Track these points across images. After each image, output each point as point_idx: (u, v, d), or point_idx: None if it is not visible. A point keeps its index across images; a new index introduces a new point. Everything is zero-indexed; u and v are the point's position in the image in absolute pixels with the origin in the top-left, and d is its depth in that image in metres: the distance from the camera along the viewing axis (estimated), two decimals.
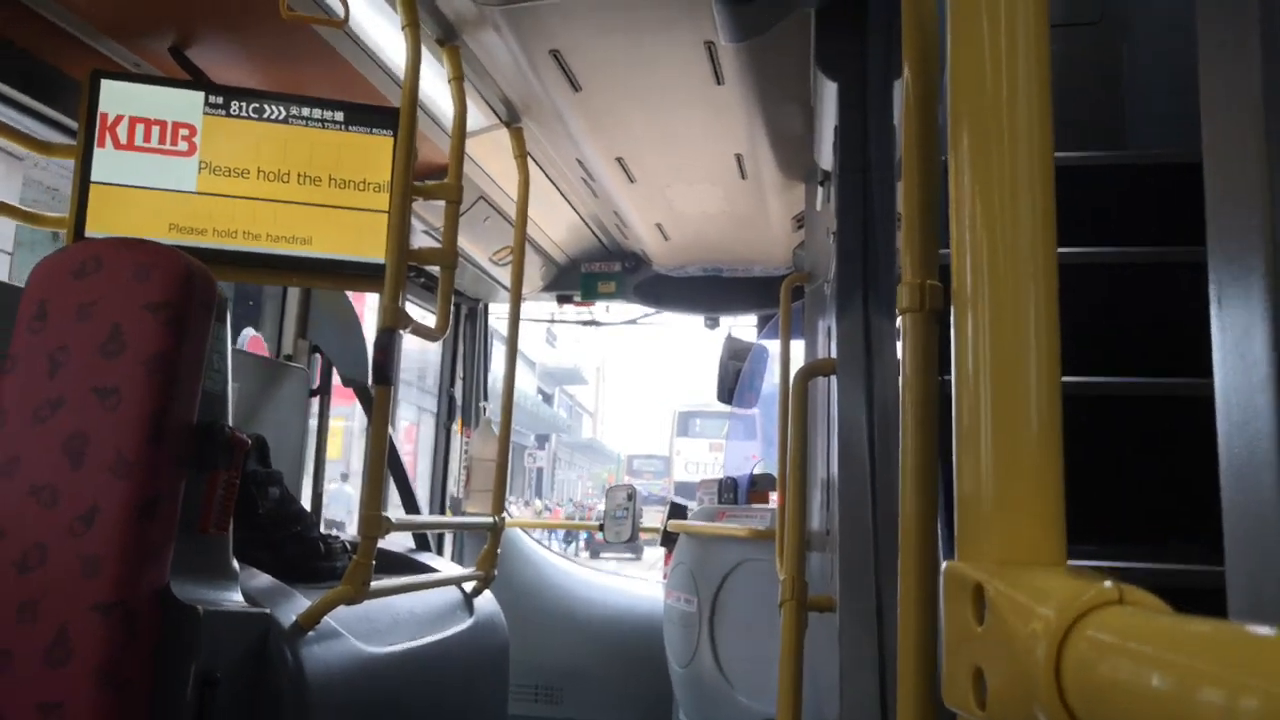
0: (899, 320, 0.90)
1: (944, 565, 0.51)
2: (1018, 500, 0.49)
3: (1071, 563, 0.47)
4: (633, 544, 3.39)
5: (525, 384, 27.38)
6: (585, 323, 4.00)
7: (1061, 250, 0.55)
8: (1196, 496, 1.34)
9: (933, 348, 0.88)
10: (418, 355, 12.56)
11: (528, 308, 3.98)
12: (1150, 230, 1.70)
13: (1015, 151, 0.55)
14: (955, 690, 0.47)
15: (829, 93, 1.79)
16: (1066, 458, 0.52)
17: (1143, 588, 1.14)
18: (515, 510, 18.08)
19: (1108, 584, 0.37)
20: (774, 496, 3.05)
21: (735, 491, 3.28)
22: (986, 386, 0.53)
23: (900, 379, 0.88)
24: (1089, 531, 1.23)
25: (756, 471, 3.33)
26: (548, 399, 33.04)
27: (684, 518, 3.30)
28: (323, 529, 2.33)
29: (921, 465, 0.84)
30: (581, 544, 18.45)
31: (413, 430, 14.00)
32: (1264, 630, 0.27)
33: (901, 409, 0.88)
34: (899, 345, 0.90)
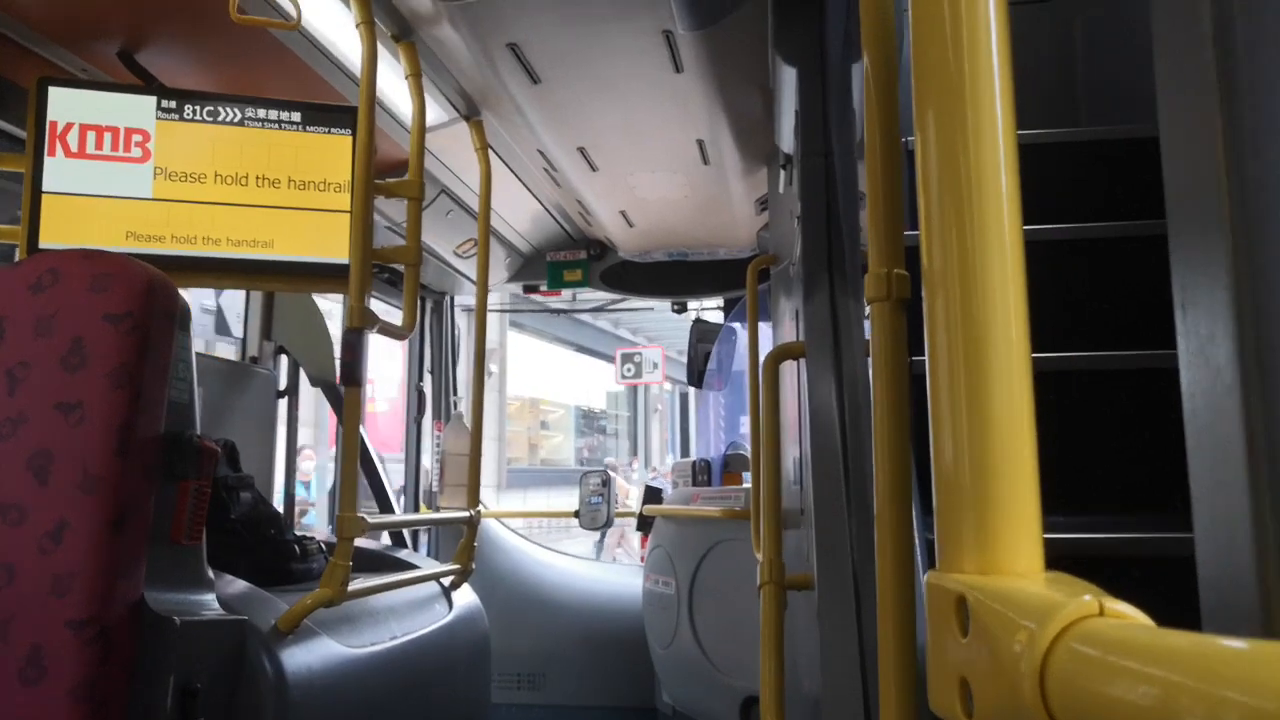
0: (867, 308, 0.91)
1: (925, 576, 0.52)
2: (995, 509, 0.49)
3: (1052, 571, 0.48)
4: None
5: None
6: (554, 311, 3.99)
7: (1027, 228, 0.55)
8: (1165, 466, 1.37)
9: (901, 335, 0.88)
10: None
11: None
12: (1098, 206, 1.73)
13: (980, 130, 0.55)
14: (941, 698, 0.48)
15: (788, 77, 1.79)
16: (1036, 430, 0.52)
17: (1113, 557, 1.16)
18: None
19: (1087, 597, 0.38)
20: (747, 477, 3.07)
21: (709, 473, 3.31)
22: (960, 373, 0.53)
23: (870, 365, 0.89)
24: (1058, 502, 1.25)
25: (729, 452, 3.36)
26: None
27: (659, 502, 3.32)
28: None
29: (894, 451, 0.85)
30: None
31: None
32: (1240, 644, 0.28)
33: (873, 396, 0.89)
34: (867, 328, 0.91)
